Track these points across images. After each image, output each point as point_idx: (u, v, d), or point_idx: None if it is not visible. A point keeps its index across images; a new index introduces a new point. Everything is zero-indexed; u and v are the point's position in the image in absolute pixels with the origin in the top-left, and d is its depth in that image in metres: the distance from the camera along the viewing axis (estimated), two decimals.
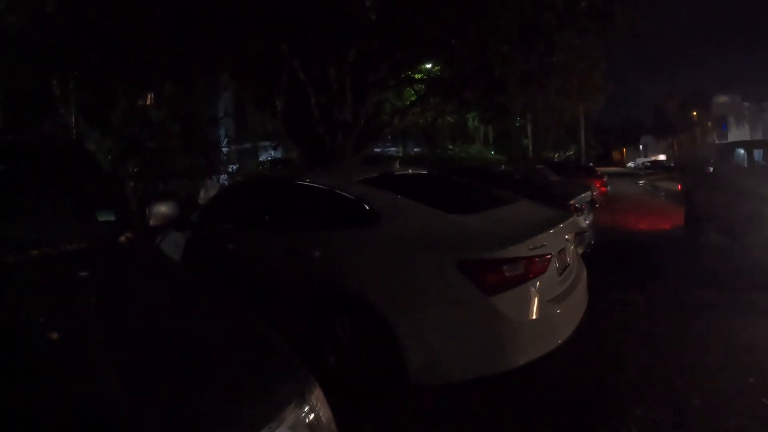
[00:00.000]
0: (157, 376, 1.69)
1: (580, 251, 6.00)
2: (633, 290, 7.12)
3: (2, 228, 2.78)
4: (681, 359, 4.74)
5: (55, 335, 1.85)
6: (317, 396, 1.80)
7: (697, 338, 5.23)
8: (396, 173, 5.31)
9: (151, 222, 3.48)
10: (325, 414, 1.81)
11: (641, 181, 42.69)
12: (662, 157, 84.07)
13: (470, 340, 3.63)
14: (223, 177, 17.55)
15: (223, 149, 18.34)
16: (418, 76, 15.99)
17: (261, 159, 27.74)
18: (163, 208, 3.53)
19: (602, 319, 5.67)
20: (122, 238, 2.99)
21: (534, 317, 3.70)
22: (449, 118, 29.60)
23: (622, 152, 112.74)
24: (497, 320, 3.57)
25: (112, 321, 1.99)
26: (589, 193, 9.36)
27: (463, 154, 29.88)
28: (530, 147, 38.28)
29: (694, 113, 73.92)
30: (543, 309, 3.75)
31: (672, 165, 66.83)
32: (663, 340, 5.24)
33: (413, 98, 15.82)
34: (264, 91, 12.30)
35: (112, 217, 3.30)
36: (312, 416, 1.73)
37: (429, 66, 16.38)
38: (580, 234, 7.64)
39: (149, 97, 17.16)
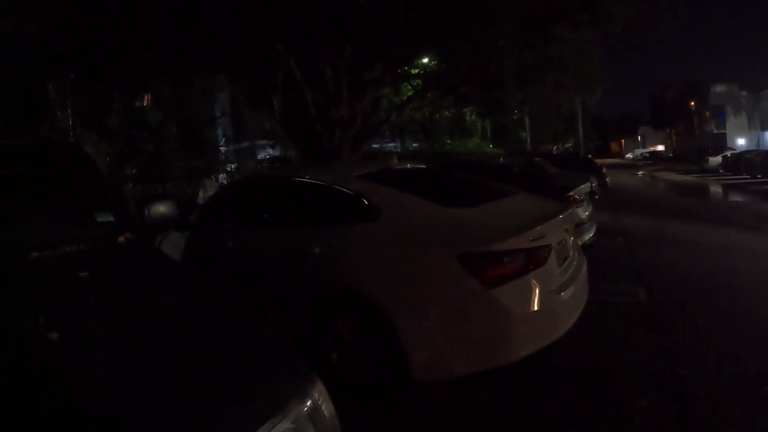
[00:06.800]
0: (159, 374, 1.69)
1: (579, 243, 6.00)
2: (634, 281, 7.13)
3: (2, 231, 2.78)
4: (684, 349, 4.74)
5: (56, 337, 1.85)
6: (319, 390, 1.81)
7: (700, 328, 5.23)
8: (395, 168, 5.30)
9: (150, 221, 3.47)
10: (328, 408, 1.81)
11: (640, 172, 42.71)
12: (660, 147, 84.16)
13: (472, 333, 3.63)
14: (222, 176, 17.54)
15: (221, 149, 18.30)
16: (414, 71, 15.97)
17: (259, 157, 27.71)
18: (161, 208, 3.52)
19: (604, 310, 5.66)
20: (121, 239, 2.99)
21: (535, 309, 3.69)
22: (447, 113, 29.56)
23: (620, 143, 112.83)
24: (499, 313, 3.56)
25: (113, 321, 1.99)
26: (588, 185, 9.35)
27: (461, 149, 29.86)
28: (528, 140, 38.27)
29: (692, 103, 73.82)
30: (544, 300, 3.74)
31: (670, 155, 66.90)
32: (666, 331, 5.24)
33: (410, 94, 15.82)
34: (260, 90, 12.29)
35: (110, 218, 3.29)
36: (315, 410, 1.73)
37: (426, 61, 16.35)
38: (579, 225, 7.64)
39: (146, 99, 17.13)
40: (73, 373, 1.66)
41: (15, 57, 11.40)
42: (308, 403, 1.72)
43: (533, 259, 3.75)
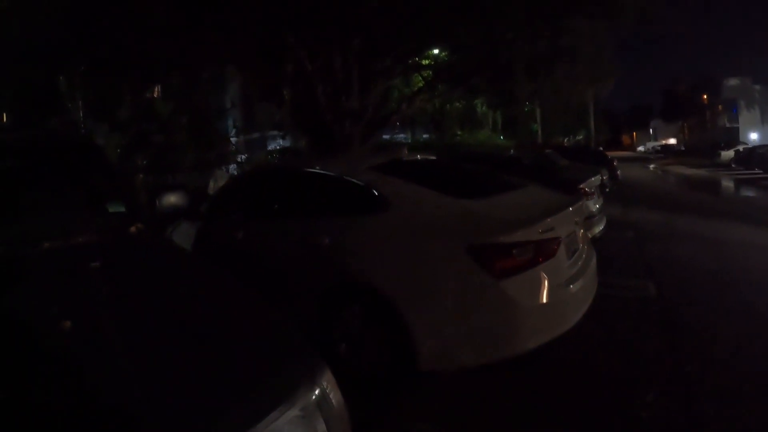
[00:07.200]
0: (169, 363, 1.71)
1: (589, 235, 5.98)
2: (644, 275, 7.10)
3: (15, 223, 2.81)
4: (692, 345, 4.72)
5: (68, 326, 1.87)
6: (328, 379, 1.81)
7: (709, 324, 5.20)
8: (405, 159, 5.30)
9: (161, 212, 3.49)
10: (336, 397, 1.82)
11: (651, 166, 42.44)
12: (672, 141, 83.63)
13: (480, 324, 3.63)
14: (233, 167, 17.58)
15: (231, 140, 18.35)
16: (425, 62, 15.91)
17: (270, 148, 27.70)
18: (172, 199, 3.54)
19: (612, 304, 5.62)
20: (132, 229, 3.01)
21: (544, 301, 3.69)
22: (457, 104, 29.46)
23: (632, 136, 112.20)
24: (507, 304, 3.56)
25: (124, 311, 2.01)
26: (598, 178, 9.31)
27: (472, 140, 29.78)
28: (539, 132, 38.10)
29: (705, 96, 73.23)
30: (552, 293, 3.74)
31: (682, 149, 66.42)
32: (675, 326, 5.22)
33: (421, 85, 15.77)
34: (270, 81, 12.29)
35: (122, 209, 3.31)
36: (323, 399, 1.75)
37: (436, 51, 16.28)
38: (589, 218, 7.62)
39: (156, 90, 17.18)
40: (84, 364, 1.67)
41: (24, 50, 11.45)
42: (317, 392, 1.73)
43: (542, 252, 3.74)
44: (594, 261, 4.65)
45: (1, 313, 1.94)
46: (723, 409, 3.62)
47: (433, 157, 6.10)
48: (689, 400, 3.76)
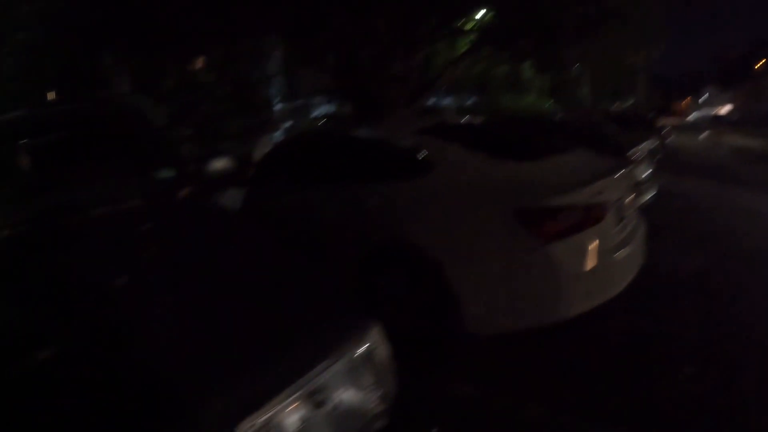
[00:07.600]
0: (217, 322, 1.74)
1: (638, 204, 5.84)
2: (692, 247, 6.91)
3: (66, 191, 2.89)
4: (736, 319, 4.59)
5: (118, 288, 1.92)
6: (376, 334, 1.84)
7: (755, 299, 5.05)
8: (451, 123, 5.25)
9: (208, 178, 3.55)
10: (384, 351, 1.84)
11: (703, 134, 41.06)
12: (725, 109, 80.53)
13: (525, 289, 3.62)
14: (278, 134, 17.70)
15: (275, 107, 18.45)
16: (469, 26, 15.64)
17: (314, 115, 27.71)
18: (219, 164, 3.60)
19: (658, 274, 5.36)
20: (181, 194, 3.06)
21: (590, 267, 3.64)
22: (503, 68, 28.90)
23: (683, 104, 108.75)
24: (553, 269, 3.53)
25: (173, 272, 2.05)
26: (648, 145, 9.04)
27: (518, 105, 29.27)
28: (588, 97, 37.12)
29: (762, 62, 70.17)
30: (599, 259, 3.69)
31: (735, 118, 63.93)
32: (719, 299, 5.07)
33: (465, 49, 15.53)
34: (313, 48, 12.25)
35: (171, 174, 3.38)
36: (371, 353, 1.77)
37: (481, 14, 15.96)
38: (638, 186, 7.44)
39: (201, 60, 17.33)
40: (133, 324, 1.72)
41: (68, 26, 11.62)
42: (364, 346, 1.76)
43: (590, 216, 3.69)
44: (642, 229, 4.55)
45: (51, 278, 2.01)
46: (763, 384, 3.54)
47: (480, 119, 6.02)
48: (729, 375, 3.67)
